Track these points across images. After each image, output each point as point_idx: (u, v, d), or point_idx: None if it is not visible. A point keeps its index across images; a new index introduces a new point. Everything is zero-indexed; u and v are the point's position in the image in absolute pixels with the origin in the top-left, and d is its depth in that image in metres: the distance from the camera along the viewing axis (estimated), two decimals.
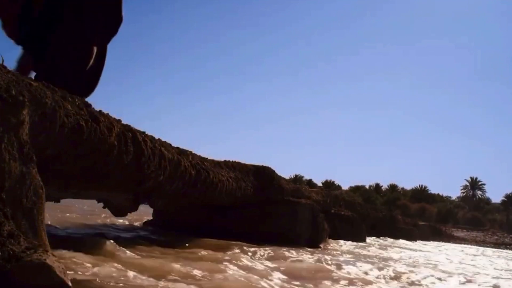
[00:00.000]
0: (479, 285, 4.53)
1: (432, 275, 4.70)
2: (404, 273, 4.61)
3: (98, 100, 3.75)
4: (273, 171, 7.37)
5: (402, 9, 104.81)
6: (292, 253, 5.29)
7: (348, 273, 4.21)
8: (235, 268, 3.56)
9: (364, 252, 7.29)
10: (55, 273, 1.50)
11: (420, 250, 9.63)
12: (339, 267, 4.53)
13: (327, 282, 3.47)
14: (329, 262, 4.82)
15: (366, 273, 4.34)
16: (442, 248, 12.09)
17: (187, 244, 4.94)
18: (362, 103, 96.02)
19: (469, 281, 4.71)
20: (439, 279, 4.55)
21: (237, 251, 4.85)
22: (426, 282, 4.23)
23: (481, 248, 14.88)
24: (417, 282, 4.13)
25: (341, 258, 5.50)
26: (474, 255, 10.51)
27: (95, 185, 3.38)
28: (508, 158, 75.93)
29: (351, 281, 3.65)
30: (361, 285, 3.56)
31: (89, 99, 2.93)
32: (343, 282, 3.59)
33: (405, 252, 8.41)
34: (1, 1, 3.35)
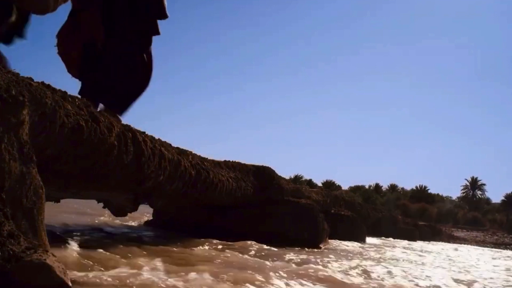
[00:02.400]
0: None
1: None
2: (408, 273, 4.61)
3: None
4: (273, 171, 7.37)
5: (402, 9, 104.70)
6: (293, 254, 5.28)
7: (354, 274, 4.20)
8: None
9: (365, 252, 7.28)
10: (55, 273, 1.49)
11: (422, 250, 9.62)
12: (343, 268, 4.52)
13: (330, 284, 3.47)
14: (333, 262, 4.81)
15: (370, 275, 4.34)
16: (445, 248, 12.07)
17: (187, 244, 4.94)
18: (362, 103, 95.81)
19: None
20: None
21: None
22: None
23: (483, 248, 14.87)
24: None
25: (344, 258, 5.50)
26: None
27: (95, 185, 3.38)
28: (508, 158, 75.63)
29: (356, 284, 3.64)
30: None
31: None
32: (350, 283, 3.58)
33: (409, 253, 8.40)
34: (65, 48, 3.43)
